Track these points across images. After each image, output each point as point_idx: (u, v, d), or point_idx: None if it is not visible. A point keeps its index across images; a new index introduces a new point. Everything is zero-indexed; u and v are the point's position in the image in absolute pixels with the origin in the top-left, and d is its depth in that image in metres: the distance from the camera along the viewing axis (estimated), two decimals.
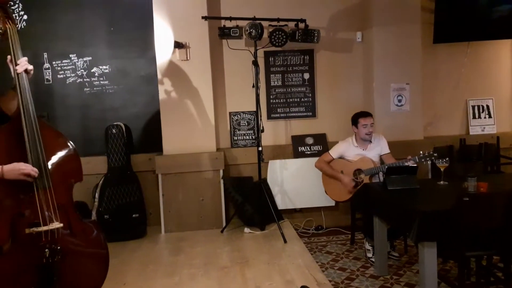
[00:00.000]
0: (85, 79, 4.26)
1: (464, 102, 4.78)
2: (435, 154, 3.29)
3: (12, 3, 4.02)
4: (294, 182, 4.32)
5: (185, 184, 4.13)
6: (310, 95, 4.53)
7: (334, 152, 3.82)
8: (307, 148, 4.45)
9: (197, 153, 4.15)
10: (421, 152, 3.38)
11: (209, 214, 4.17)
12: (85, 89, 4.26)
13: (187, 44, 4.11)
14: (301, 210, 4.44)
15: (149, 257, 3.50)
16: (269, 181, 4.31)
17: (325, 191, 3.92)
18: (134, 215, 4.02)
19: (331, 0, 4.44)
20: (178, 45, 4.05)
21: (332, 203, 4.28)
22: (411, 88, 4.43)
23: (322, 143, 4.48)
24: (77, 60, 4.23)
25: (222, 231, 4.05)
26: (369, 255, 3.44)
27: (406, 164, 3.39)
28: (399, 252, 3.53)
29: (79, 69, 4.24)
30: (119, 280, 2.98)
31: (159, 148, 4.21)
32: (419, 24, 4.39)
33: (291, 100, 4.52)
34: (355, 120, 3.74)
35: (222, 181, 4.18)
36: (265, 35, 4.06)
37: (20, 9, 4.09)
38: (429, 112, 4.67)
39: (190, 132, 4.17)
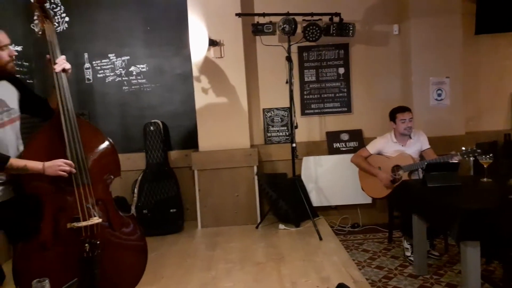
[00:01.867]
0: (123, 78, 4.39)
1: (508, 96, 4.56)
2: (478, 150, 3.17)
3: (54, 6, 4.20)
4: (329, 179, 4.28)
5: (221, 180, 4.18)
6: (345, 90, 4.46)
7: (371, 148, 3.75)
8: (342, 145, 4.39)
9: (231, 149, 4.19)
10: (463, 148, 3.26)
11: (244, 209, 4.21)
12: (123, 87, 4.39)
13: (221, 42, 4.14)
14: (337, 207, 4.39)
15: (187, 251, 3.57)
16: (303, 177, 4.28)
17: (361, 187, 3.86)
18: (171, 210, 4.12)
19: None
20: (212, 42, 4.09)
21: (369, 200, 4.21)
22: (451, 82, 4.27)
23: (358, 139, 4.40)
24: (115, 60, 4.36)
25: (257, 227, 4.08)
26: (408, 253, 3.36)
27: (448, 160, 3.27)
28: (440, 251, 3.42)
29: (118, 68, 4.37)
30: (158, 274, 3.06)
31: (195, 144, 4.28)
32: (460, 14, 4.21)
33: (325, 95, 4.47)
34: (393, 115, 3.65)
35: (256, 177, 4.20)
36: (299, 30, 4.02)
37: (62, 11, 4.26)
38: (471, 106, 4.48)
39: (225, 129, 4.21)
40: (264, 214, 4.19)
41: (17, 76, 2.33)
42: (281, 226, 4.02)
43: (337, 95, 4.47)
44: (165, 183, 4.19)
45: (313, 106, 4.47)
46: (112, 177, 2.40)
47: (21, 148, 2.26)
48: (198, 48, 4.14)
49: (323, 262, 3.15)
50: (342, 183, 4.23)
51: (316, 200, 4.29)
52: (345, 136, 4.41)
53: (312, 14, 4.08)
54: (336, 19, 4.11)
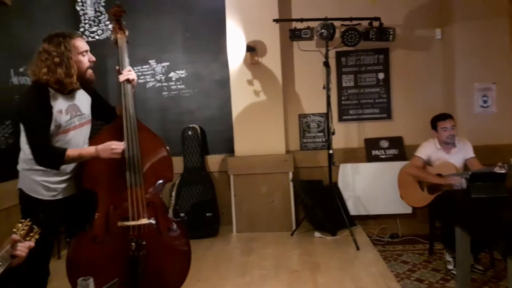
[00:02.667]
0: (163, 84, 4.50)
1: None
2: None
3: (99, 13, 4.38)
4: (367, 187, 4.18)
5: (256, 185, 4.19)
6: (385, 96, 4.36)
7: (421, 154, 3.55)
8: (381, 152, 4.28)
9: (267, 155, 4.19)
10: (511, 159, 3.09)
11: (279, 216, 4.18)
12: (163, 93, 4.50)
13: (258, 47, 4.16)
14: (375, 216, 4.27)
15: (222, 256, 3.60)
16: (340, 185, 4.21)
17: (401, 196, 3.74)
18: (207, 214, 4.17)
19: None
20: (249, 48, 4.12)
21: (409, 210, 4.07)
22: (498, 88, 4.07)
23: (398, 146, 4.28)
24: (156, 66, 4.48)
25: (292, 234, 4.04)
26: (450, 267, 3.22)
27: (494, 171, 3.11)
28: (484, 265, 3.25)
29: (158, 74, 4.49)
30: (194, 277, 3.09)
31: (231, 149, 4.31)
32: (508, 17, 4.02)
33: (364, 101, 4.38)
34: (434, 123, 3.53)
35: (291, 183, 4.17)
36: (337, 35, 3.97)
37: (106, 19, 4.43)
38: None
39: (261, 134, 4.22)
40: (299, 221, 4.15)
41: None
42: (317, 234, 3.96)
43: (377, 100, 4.37)
44: (202, 187, 4.25)
45: (351, 112, 4.40)
46: (164, 181, 2.47)
47: None
48: (235, 54, 4.18)
49: (360, 272, 3.08)
50: (381, 191, 4.12)
51: (353, 208, 4.20)
52: (384, 143, 4.30)
53: (351, 19, 4.03)
54: (375, 23, 4.03)
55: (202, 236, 4.06)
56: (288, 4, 4.33)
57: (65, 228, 2.44)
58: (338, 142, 4.22)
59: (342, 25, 4.08)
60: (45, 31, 3.86)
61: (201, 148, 4.36)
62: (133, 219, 2.28)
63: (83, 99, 2.37)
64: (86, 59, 2.26)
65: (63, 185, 2.26)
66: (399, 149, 4.26)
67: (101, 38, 4.45)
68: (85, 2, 4.37)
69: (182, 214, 4.09)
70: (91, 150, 2.21)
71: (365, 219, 4.28)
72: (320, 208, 4.04)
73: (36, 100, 2.14)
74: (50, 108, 2.15)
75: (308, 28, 4.01)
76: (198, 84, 4.50)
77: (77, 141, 2.30)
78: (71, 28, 4.31)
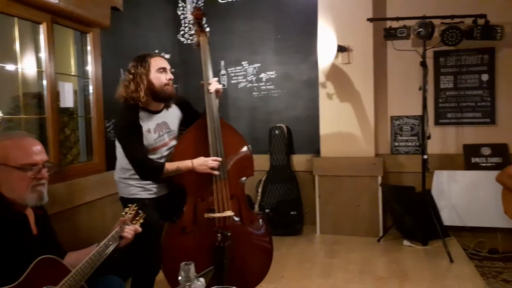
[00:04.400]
0: (253, 84, 4.63)
1: None
2: None
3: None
4: (464, 197, 3.87)
5: (342, 188, 4.12)
6: (489, 99, 4.00)
7: None
8: (482, 160, 3.94)
9: (354, 157, 4.09)
10: None
11: (365, 221, 4.07)
12: (253, 93, 4.64)
13: (350, 47, 4.09)
14: (471, 229, 3.94)
15: (305, 255, 3.60)
16: (433, 193, 3.95)
17: (504, 210, 3.41)
18: (292, 213, 4.20)
19: None
20: (341, 48, 4.06)
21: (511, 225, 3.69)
22: None
23: (503, 154, 3.90)
24: (248, 67, 4.63)
25: (378, 240, 3.90)
26: None
27: None
28: None
29: (249, 75, 4.63)
30: (278, 273, 3.14)
31: (317, 150, 4.29)
32: None
33: (464, 104, 4.07)
34: None
35: (380, 188, 4.03)
36: (436, 34, 3.75)
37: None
38: None
39: (348, 136, 4.13)
40: (387, 228, 3.99)
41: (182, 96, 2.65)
42: (406, 243, 3.77)
43: (479, 104, 4.03)
44: (287, 186, 4.30)
45: (449, 115, 4.11)
46: (246, 175, 2.58)
47: None
48: (325, 54, 4.15)
49: (454, 287, 2.87)
50: (480, 202, 3.79)
51: (447, 218, 3.91)
52: (486, 151, 3.94)
53: (452, 17, 3.77)
54: (480, 21, 3.72)
55: (286, 234, 4.11)
56: (383, 2, 4.19)
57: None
58: (433, 147, 3.97)
59: (442, 23, 3.83)
60: (150, 34, 4.23)
61: (287, 147, 4.41)
62: (219, 211, 2.40)
63: (173, 116, 2.55)
64: (164, 76, 2.40)
65: (156, 185, 2.47)
66: (503, 158, 3.88)
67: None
68: (185, 7, 4.67)
69: (267, 210, 4.18)
70: (188, 164, 2.38)
71: (460, 231, 3.97)
72: (410, 215, 3.84)
73: (127, 120, 2.36)
74: (139, 127, 2.36)
75: (404, 27, 3.84)
76: (287, 84, 4.55)
77: (167, 156, 2.49)
78: (172, 31, 4.65)
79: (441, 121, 4.13)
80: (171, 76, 2.46)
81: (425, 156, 3.67)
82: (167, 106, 2.51)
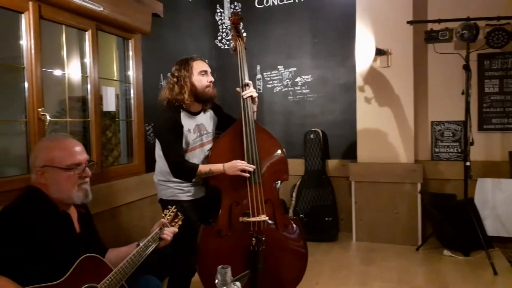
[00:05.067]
0: (289, 88, 4.62)
1: None
2: None
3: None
4: (509, 206, 3.68)
5: (379, 194, 4.02)
6: None
7: None
8: None
9: (393, 163, 3.99)
10: None
11: (403, 229, 3.95)
12: (289, 97, 4.63)
13: (389, 51, 4.00)
14: None
15: (341, 262, 3.54)
16: (476, 201, 3.78)
17: None
18: (327, 218, 4.15)
19: None
20: (379, 52, 3.98)
21: None
22: None
23: None
24: (283, 71, 4.63)
25: (417, 249, 3.78)
26: None
27: None
28: None
29: (285, 79, 4.63)
30: (312, 279, 3.11)
31: (353, 155, 4.22)
32: None
33: (510, 109, 3.88)
34: None
35: (419, 195, 3.90)
36: (480, 36, 3.60)
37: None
38: None
39: (387, 141, 4.04)
40: (427, 237, 3.86)
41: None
42: (447, 252, 3.63)
43: None
44: (322, 191, 4.25)
45: (494, 121, 3.93)
46: (280, 180, 2.57)
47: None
48: (364, 57, 4.09)
49: None
50: None
51: (491, 228, 3.73)
52: None
53: (498, 18, 3.62)
54: None
55: (321, 239, 4.06)
56: (424, 5, 4.07)
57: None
58: (476, 153, 3.81)
59: (487, 25, 3.69)
60: (189, 39, 4.31)
61: (322, 152, 4.36)
62: (254, 215, 2.41)
63: (210, 119, 2.63)
64: (205, 79, 2.48)
65: (194, 188, 2.52)
66: None
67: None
68: (223, 12, 4.74)
69: (301, 215, 4.15)
70: (219, 167, 2.42)
71: (505, 242, 3.78)
72: (451, 224, 3.69)
73: (169, 120, 2.43)
74: (181, 127, 2.43)
75: (447, 29, 3.73)
76: (323, 88, 4.51)
77: (200, 157, 2.54)
78: (210, 36, 4.73)
79: (485, 126, 3.95)
80: (212, 79, 2.53)
81: (468, 163, 3.52)
82: (204, 110, 2.57)
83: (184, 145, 2.46)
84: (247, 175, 2.41)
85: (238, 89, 2.60)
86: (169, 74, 2.55)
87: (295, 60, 4.58)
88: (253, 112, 2.58)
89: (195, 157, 2.51)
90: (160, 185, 2.55)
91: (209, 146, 2.59)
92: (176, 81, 2.45)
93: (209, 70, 2.53)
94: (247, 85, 2.58)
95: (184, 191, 2.49)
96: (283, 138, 4.57)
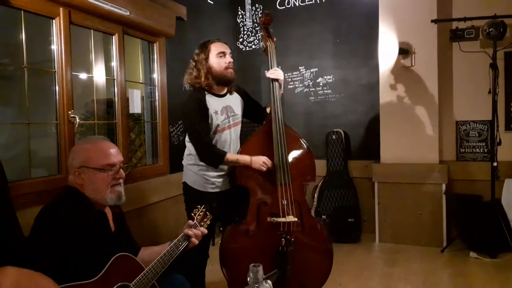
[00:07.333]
0: (310, 89, 4.62)
1: None
2: None
3: (256, 24, 4.72)
4: None
5: (402, 195, 3.98)
6: None
7: None
8: None
9: (417, 163, 3.94)
10: None
11: (427, 230, 3.90)
12: (310, 97, 4.62)
13: (413, 50, 3.96)
14: None
15: (364, 263, 3.52)
16: (504, 202, 3.69)
17: None
18: (349, 219, 4.13)
19: None
20: (403, 51, 3.94)
21: None
22: None
23: None
24: (305, 72, 4.63)
25: (442, 251, 3.72)
26: None
27: None
28: None
29: (306, 79, 4.63)
30: (336, 280, 3.10)
31: (376, 155, 4.18)
32: None
33: None
34: None
35: (444, 196, 3.84)
36: (508, 34, 3.53)
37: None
38: None
39: (410, 141, 3.99)
40: (452, 238, 3.80)
41: (240, 87, 2.74)
42: (473, 254, 3.57)
43: None
44: (344, 192, 4.23)
45: None
46: (308, 180, 2.58)
47: (238, 147, 2.62)
48: (386, 57, 4.05)
49: None
50: None
51: None
52: None
53: None
54: None
55: (343, 241, 4.04)
56: (448, 3, 4.01)
57: (221, 219, 2.69)
58: (504, 154, 3.73)
59: None
60: None
61: (344, 153, 4.34)
62: (282, 216, 2.41)
63: (236, 101, 2.62)
64: (223, 61, 2.47)
65: (220, 180, 2.52)
66: None
67: (257, 47, 4.80)
68: (245, 15, 4.77)
69: (324, 216, 4.14)
70: (246, 158, 2.43)
71: None
72: (477, 226, 3.63)
73: (194, 103, 2.43)
74: (206, 109, 2.44)
75: (473, 27, 3.66)
76: (345, 88, 4.49)
77: (230, 139, 2.54)
78: (231, 38, 4.77)
79: None
80: (231, 60, 2.52)
81: (495, 163, 3.46)
82: (229, 91, 2.59)
83: (213, 127, 2.46)
84: (264, 169, 2.41)
85: (266, 72, 2.60)
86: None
87: (316, 61, 4.57)
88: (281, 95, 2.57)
89: (225, 138, 2.51)
90: (188, 170, 2.55)
91: (237, 127, 2.60)
92: (195, 65, 2.48)
93: (228, 51, 2.52)
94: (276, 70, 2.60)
95: (208, 181, 2.49)
96: (304, 138, 4.55)
